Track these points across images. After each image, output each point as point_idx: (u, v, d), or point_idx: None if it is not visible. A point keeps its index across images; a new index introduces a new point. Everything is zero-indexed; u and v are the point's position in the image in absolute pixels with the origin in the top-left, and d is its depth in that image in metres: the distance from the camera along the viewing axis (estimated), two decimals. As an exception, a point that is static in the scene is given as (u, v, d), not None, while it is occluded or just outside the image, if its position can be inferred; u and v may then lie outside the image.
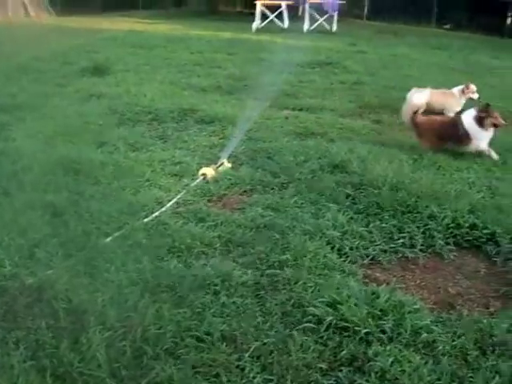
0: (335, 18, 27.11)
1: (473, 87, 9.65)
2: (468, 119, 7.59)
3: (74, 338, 3.55)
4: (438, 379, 3.43)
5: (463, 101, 9.71)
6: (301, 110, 10.15)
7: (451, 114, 9.21)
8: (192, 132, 8.41)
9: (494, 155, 7.54)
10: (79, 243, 4.75)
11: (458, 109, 9.52)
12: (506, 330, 3.92)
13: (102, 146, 7.46)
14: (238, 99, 10.78)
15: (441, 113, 9.40)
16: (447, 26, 34.05)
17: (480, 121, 7.48)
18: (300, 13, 29.12)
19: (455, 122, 7.76)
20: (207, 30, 25.13)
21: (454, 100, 9.76)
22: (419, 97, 9.00)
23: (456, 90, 9.84)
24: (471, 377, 3.49)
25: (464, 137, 7.58)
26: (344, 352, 3.59)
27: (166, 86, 11.92)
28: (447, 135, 7.75)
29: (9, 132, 8.02)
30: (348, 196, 5.90)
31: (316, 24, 26.84)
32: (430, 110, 9.11)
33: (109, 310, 3.80)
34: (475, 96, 9.72)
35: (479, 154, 7.58)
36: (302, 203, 5.74)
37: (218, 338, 3.65)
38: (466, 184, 6.40)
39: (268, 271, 4.48)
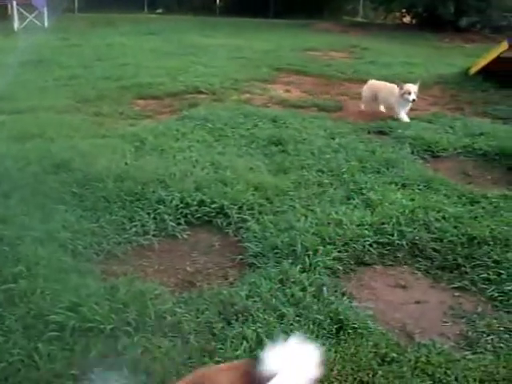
0: (45, 13, 26.42)
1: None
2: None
3: None
4: (189, 358, 3.53)
5: None
6: (18, 112, 9.74)
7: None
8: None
9: None
10: None
11: None
12: (245, 297, 4.12)
13: None
14: None
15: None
16: (159, 11, 34.61)
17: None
18: (9, 11, 27.98)
19: None
20: None
21: None
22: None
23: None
24: (220, 348, 3.64)
25: None
26: (93, 353, 3.56)
27: None
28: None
29: None
30: (74, 194, 5.79)
31: (26, 21, 25.97)
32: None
33: None
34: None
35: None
36: (28, 210, 5.52)
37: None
38: (190, 163, 6.57)
39: (3, 287, 4.27)
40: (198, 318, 3.92)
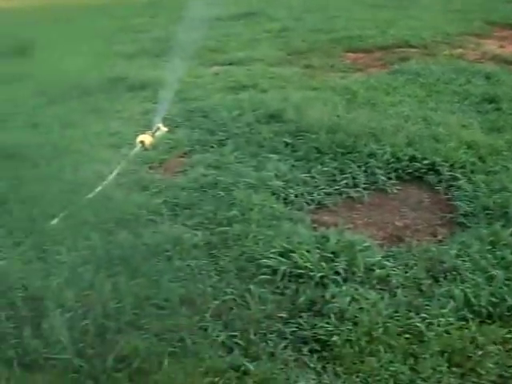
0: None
1: None
2: None
3: (36, 325, 3.54)
4: (396, 311, 3.54)
5: None
6: (230, 64, 10.09)
7: None
8: (124, 100, 8.30)
9: None
10: (26, 229, 4.68)
11: None
12: (454, 256, 4.05)
13: (36, 127, 7.31)
14: (166, 61, 10.64)
15: None
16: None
17: None
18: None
19: None
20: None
21: None
22: None
23: None
24: (427, 305, 3.61)
25: None
26: (302, 298, 3.66)
27: (92, 57, 11.66)
28: None
29: None
30: (287, 144, 5.92)
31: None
32: None
33: (66, 292, 3.78)
34: None
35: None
36: (242, 158, 5.76)
37: (177, 302, 3.68)
38: (401, 118, 6.47)
39: (217, 229, 4.51)
40: (406, 272, 3.91)
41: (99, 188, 5.31)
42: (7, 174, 5.82)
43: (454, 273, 3.88)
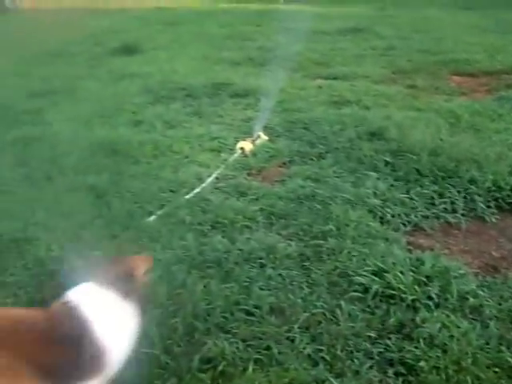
0: (363, -18, 26.83)
1: None
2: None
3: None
4: (487, 343, 3.45)
5: None
6: (334, 78, 10.11)
7: None
8: (227, 106, 8.42)
9: None
10: (123, 223, 4.82)
11: None
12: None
13: (139, 125, 7.52)
14: (270, 70, 10.75)
15: None
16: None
17: None
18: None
19: None
20: (235, 3, 25.04)
21: None
22: None
23: None
24: (521, 341, 3.51)
25: None
26: (392, 320, 3.62)
27: (198, 62, 11.93)
28: None
29: (45, 117, 8.12)
30: (387, 163, 5.87)
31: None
32: None
33: (158, 289, 3.86)
34: None
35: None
36: (341, 172, 5.74)
37: (267, 310, 3.71)
38: (505, 146, 6.31)
39: (312, 242, 4.51)
40: (500, 304, 3.81)
41: (197, 190, 5.41)
42: (109, 168, 6.00)
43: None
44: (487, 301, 3.83)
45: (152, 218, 4.89)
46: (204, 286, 3.92)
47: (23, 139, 7.11)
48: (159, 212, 4.98)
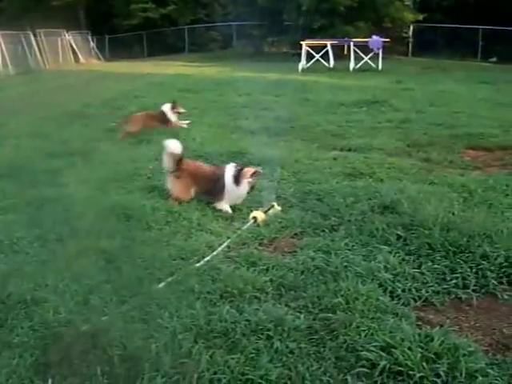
0: (380, 55, 27.28)
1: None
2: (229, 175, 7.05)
3: (130, 385, 3.60)
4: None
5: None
6: (349, 150, 10.18)
7: None
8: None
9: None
10: (132, 289, 4.82)
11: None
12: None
13: (154, 190, 7.57)
14: (286, 141, 10.87)
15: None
16: (493, 59, 34.00)
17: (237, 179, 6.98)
18: (345, 52, 29.37)
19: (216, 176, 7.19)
20: (254, 72, 25.49)
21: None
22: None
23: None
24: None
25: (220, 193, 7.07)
26: (398, 397, 3.57)
27: (215, 129, 12.09)
28: (206, 188, 7.26)
29: (61, 178, 8.23)
30: (399, 237, 5.85)
31: (362, 62, 27.06)
32: None
33: (163, 357, 3.84)
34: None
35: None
36: (352, 245, 5.72)
37: (273, 383, 3.66)
38: (520, 221, 6.29)
39: (320, 315, 4.47)
40: (510, 383, 3.75)
41: (208, 258, 5.41)
42: (121, 233, 6.04)
43: (561, 393, 3.70)
44: (497, 380, 3.75)
45: (161, 284, 4.89)
46: (210, 357, 3.87)
47: (39, 199, 7.22)
48: (169, 279, 4.97)
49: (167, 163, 7.33)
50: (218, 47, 48.57)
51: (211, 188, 7.11)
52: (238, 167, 7.03)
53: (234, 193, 6.98)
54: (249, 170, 6.96)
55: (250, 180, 6.92)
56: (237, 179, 6.91)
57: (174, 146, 7.30)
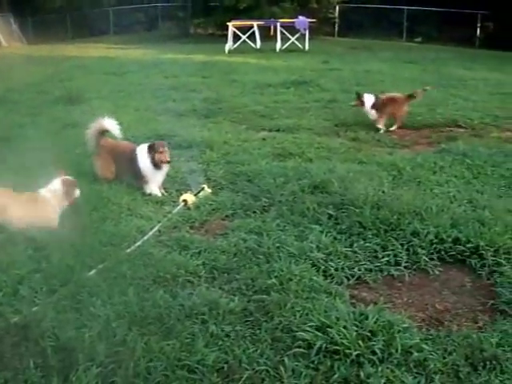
0: (307, 36, 27.36)
1: None
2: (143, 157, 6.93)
3: (64, 377, 3.51)
4: (433, 398, 3.42)
5: None
6: (277, 130, 10.18)
7: None
8: (170, 157, 8.35)
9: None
10: (63, 277, 4.69)
11: None
12: (495, 344, 3.91)
13: (81, 176, 7.39)
14: (214, 122, 10.79)
15: None
16: (418, 39, 34.57)
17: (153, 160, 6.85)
18: (272, 32, 29.35)
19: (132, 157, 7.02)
20: (180, 54, 25.25)
21: None
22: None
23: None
24: (466, 395, 3.49)
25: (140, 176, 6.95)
26: (336, 376, 3.57)
27: (142, 113, 11.90)
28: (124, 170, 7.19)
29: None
30: (330, 216, 5.88)
31: (288, 43, 27.10)
32: None
33: (97, 346, 3.75)
34: None
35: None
36: (284, 226, 5.72)
37: (210, 368, 3.62)
38: (447, 198, 6.39)
39: (255, 297, 4.45)
40: (444, 358, 3.79)
41: (139, 243, 5.32)
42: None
43: (494, 362, 3.73)
44: (431, 354, 3.80)
45: (92, 272, 4.77)
46: (145, 344, 3.80)
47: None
48: (100, 266, 4.85)
49: (91, 141, 7.29)
50: (144, 29, 47.90)
51: (128, 167, 7.04)
52: (149, 144, 6.95)
53: (150, 171, 6.84)
54: (159, 144, 6.91)
55: (162, 152, 6.83)
56: (151, 158, 6.83)
57: (108, 123, 7.23)
